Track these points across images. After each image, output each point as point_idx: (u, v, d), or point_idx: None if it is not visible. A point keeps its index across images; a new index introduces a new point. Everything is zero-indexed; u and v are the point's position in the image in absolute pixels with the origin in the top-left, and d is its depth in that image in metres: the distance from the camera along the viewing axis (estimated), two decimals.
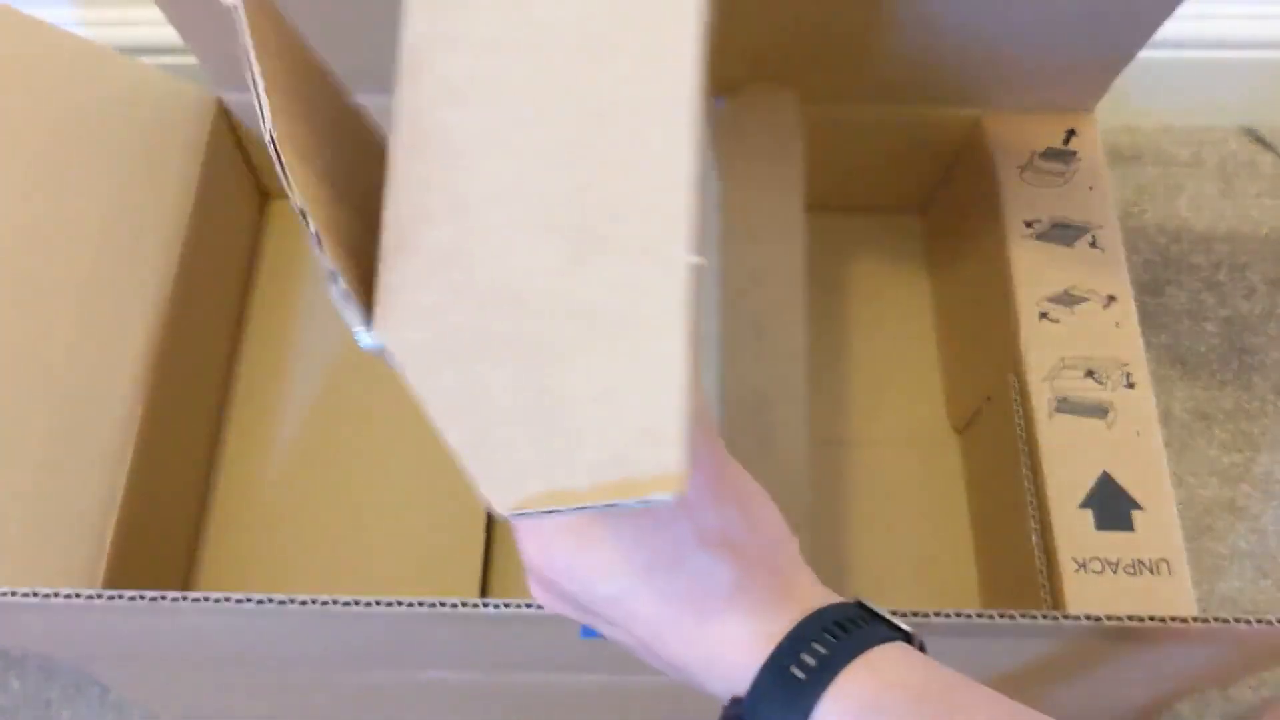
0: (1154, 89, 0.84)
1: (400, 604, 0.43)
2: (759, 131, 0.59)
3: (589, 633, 0.35)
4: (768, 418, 0.53)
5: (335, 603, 0.43)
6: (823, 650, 0.30)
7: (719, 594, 0.31)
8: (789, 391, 0.53)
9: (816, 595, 0.33)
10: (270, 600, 0.43)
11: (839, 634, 0.30)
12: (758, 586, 0.32)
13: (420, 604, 0.43)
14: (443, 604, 0.43)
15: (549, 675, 0.54)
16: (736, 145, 0.58)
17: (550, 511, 0.26)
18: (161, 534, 0.60)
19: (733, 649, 0.31)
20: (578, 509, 0.26)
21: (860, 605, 0.33)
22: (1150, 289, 0.82)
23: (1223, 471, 0.76)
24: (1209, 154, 0.88)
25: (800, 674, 0.29)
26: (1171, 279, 0.83)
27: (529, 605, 0.42)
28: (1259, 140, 0.89)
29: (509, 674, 0.54)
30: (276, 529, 0.66)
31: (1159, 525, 0.54)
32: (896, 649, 0.31)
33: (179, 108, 0.64)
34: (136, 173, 0.60)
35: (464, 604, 0.43)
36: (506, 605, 0.42)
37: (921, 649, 0.32)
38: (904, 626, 0.32)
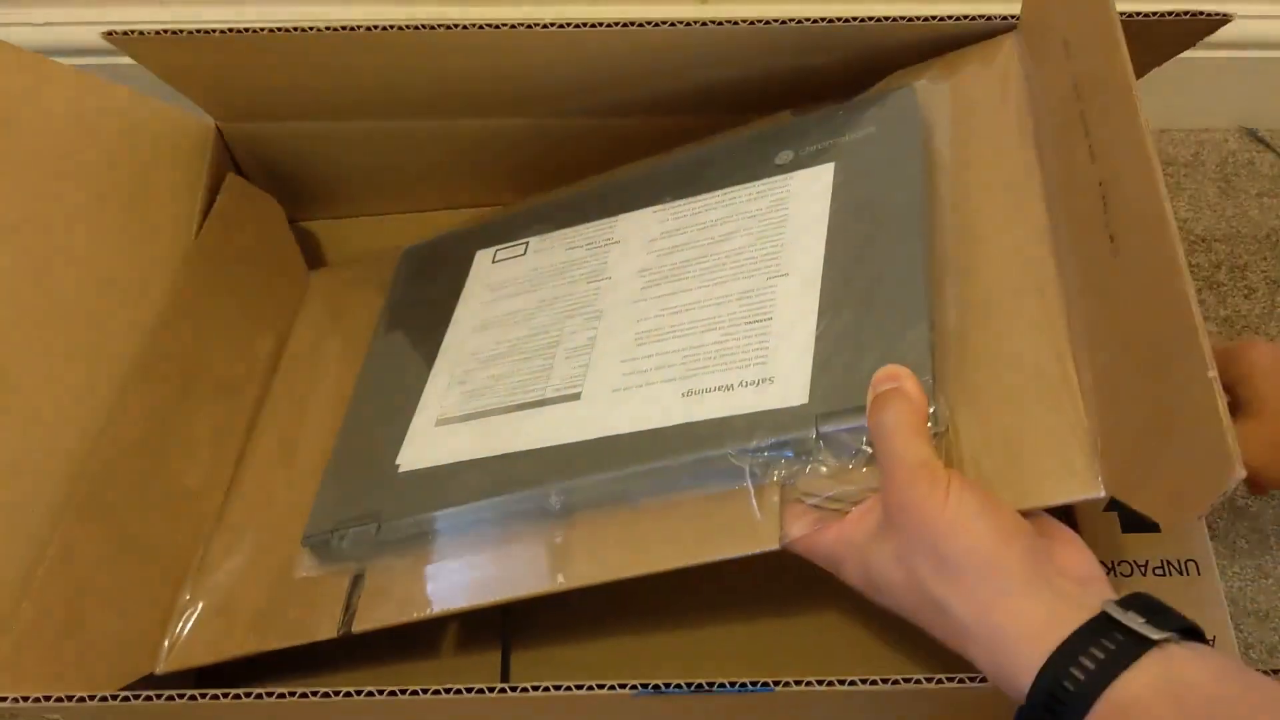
0: (1153, 89, 0.85)
1: (417, 692, 0.43)
2: None
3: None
4: None
5: (341, 694, 0.43)
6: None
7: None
8: None
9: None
10: (275, 695, 0.44)
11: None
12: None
13: (438, 691, 0.42)
14: (464, 690, 0.42)
15: None
16: None
17: None
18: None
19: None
20: None
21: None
22: None
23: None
24: (1209, 154, 0.89)
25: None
26: None
27: (556, 687, 0.42)
28: (1259, 140, 0.89)
29: None
30: None
31: (1185, 525, 0.54)
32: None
33: (177, 137, 0.62)
34: (136, 205, 0.58)
35: (485, 690, 0.43)
36: (531, 689, 0.42)
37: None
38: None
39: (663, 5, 0.81)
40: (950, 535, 0.36)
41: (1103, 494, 0.38)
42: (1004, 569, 0.35)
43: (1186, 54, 0.81)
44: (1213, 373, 0.33)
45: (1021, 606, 0.35)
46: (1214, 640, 0.52)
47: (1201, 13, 0.51)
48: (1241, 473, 0.32)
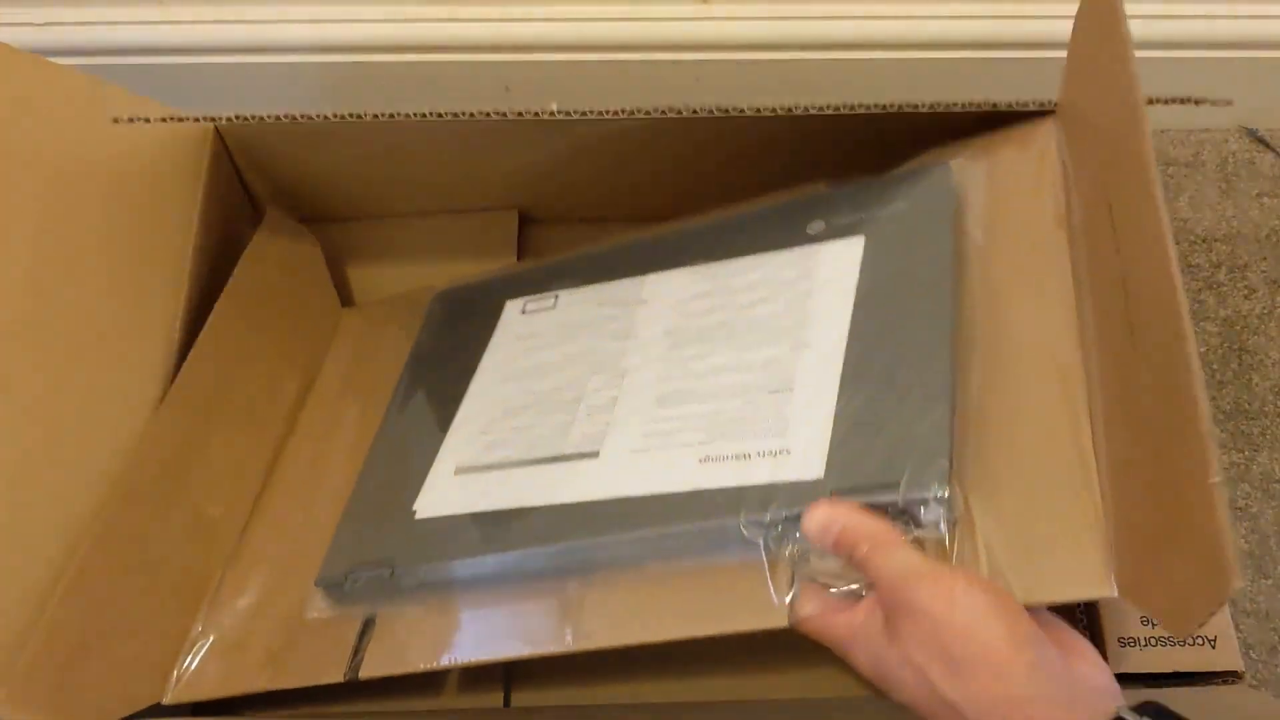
0: (1153, 90, 0.84)
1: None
2: None
3: None
4: None
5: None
6: None
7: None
8: None
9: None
10: None
11: None
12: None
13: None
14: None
15: None
16: None
17: None
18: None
19: None
20: None
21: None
22: None
23: (1222, 471, 0.77)
24: (1209, 154, 0.89)
25: None
26: None
27: None
28: (1259, 140, 0.89)
29: None
30: None
31: (1186, 633, 0.54)
32: None
33: (176, 137, 0.62)
34: (137, 206, 0.58)
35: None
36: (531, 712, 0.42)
37: None
38: None
39: (664, 4, 0.80)
40: (962, 639, 0.36)
41: (1115, 594, 0.38)
42: (1019, 673, 0.35)
43: (1186, 54, 0.81)
44: (1216, 479, 0.34)
45: (1038, 712, 0.35)
46: (1215, 641, 0.52)
47: (1205, 100, 0.52)
48: (1239, 584, 0.32)
